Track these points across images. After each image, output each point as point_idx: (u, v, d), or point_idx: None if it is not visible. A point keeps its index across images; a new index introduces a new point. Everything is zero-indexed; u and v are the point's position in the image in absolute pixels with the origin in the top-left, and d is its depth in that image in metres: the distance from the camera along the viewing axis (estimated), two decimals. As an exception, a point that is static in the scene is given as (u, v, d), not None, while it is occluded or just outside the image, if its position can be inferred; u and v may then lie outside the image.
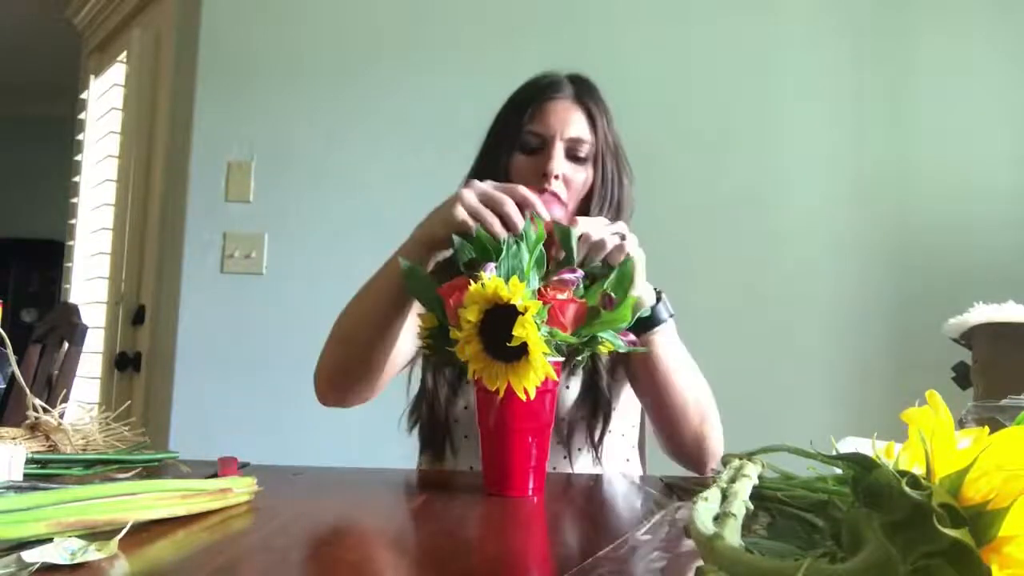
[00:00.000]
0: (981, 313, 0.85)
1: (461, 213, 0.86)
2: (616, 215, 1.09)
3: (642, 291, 0.94)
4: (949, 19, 2.09)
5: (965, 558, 0.27)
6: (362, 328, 0.99)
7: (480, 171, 1.10)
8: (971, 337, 0.88)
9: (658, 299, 0.98)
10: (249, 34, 2.14)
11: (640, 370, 1.02)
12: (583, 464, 1.07)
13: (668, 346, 0.99)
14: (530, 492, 0.75)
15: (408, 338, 1.03)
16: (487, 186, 0.88)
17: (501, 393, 0.71)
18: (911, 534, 0.29)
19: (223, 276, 2.06)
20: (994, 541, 0.28)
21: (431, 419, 1.09)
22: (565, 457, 1.07)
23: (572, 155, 1.07)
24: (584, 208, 1.08)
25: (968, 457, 0.31)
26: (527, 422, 0.75)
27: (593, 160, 1.08)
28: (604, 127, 1.09)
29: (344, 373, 1.03)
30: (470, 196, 0.86)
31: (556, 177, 1.04)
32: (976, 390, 0.84)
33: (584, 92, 1.11)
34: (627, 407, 1.14)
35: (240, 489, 0.66)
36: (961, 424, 0.77)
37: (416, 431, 1.13)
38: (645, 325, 0.95)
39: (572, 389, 1.08)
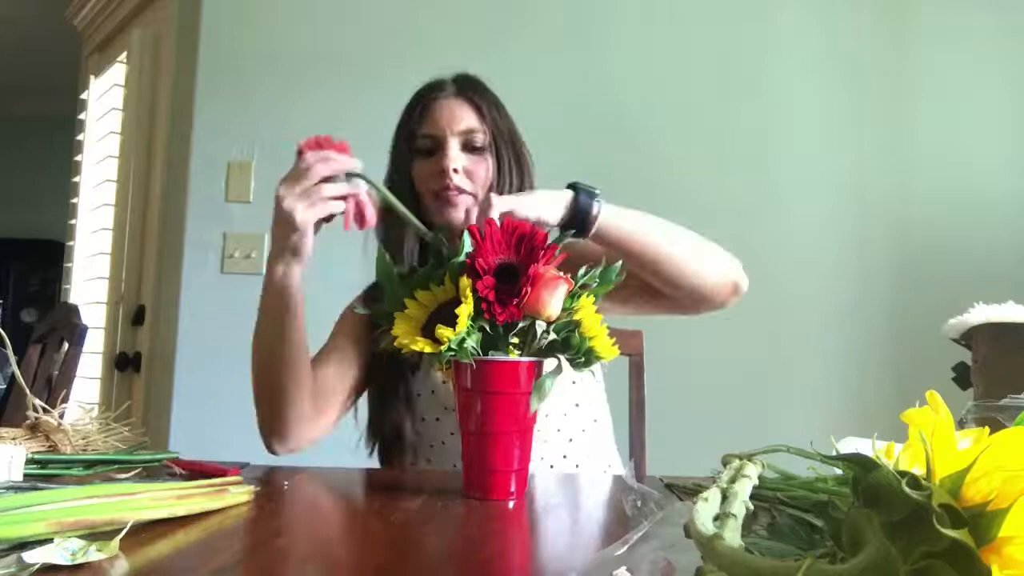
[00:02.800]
0: (981, 313, 0.85)
1: (298, 213, 0.87)
2: None
3: (540, 207, 0.90)
4: (949, 23, 2.09)
5: (965, 558, 0.27)
6: (271, 354, 0.99)
7: (391, 181, 1.15)
8: (971, 337, 0.88)
9: (577, 192, 0.93)
10: (249, 34, 2.14)
11: (617, 256, 0.95)
12: (551, 455, 1.08)
13: (617, 219, 0.95)
14: (511, 496, 0.74)
15: (346, 372, 1.08)
16: (289, 178, 0.90)
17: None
18: (911, 534, 0.29)
19: (223, 276, 2.06)
20: (994, 541, 0.28)
21: (396, 439, 1.11)
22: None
23: (469, 147, 1.09)
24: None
25: (968, 457, 0.31)
26: (509, 425, 0.73)
27: (488, 149, 1.09)
28: (493, 116, 1.11)
29: (277, 413, 1.01)
30: (287, 194, 0.88)
31: (456, 171, 1.07)
32: (976, 390, 0.84)
33: (466, 86, 1.13)
34: (591, 400, 1.14)
35: (238, 489, 0.66)
36: (961, 424, 0.77)
37: (376, 452, 1.15)
38: (582, 224, 0.92)
39: None
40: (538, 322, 0.73)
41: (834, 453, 0.44)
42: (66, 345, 1.65)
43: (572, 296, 0.75)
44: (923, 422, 0.33)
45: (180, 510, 0.58)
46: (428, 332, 0.73)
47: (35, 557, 0.43)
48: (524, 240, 0.75)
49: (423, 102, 1.12)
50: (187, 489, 0.60)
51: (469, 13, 2.11)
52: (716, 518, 0.38)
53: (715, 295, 1.04)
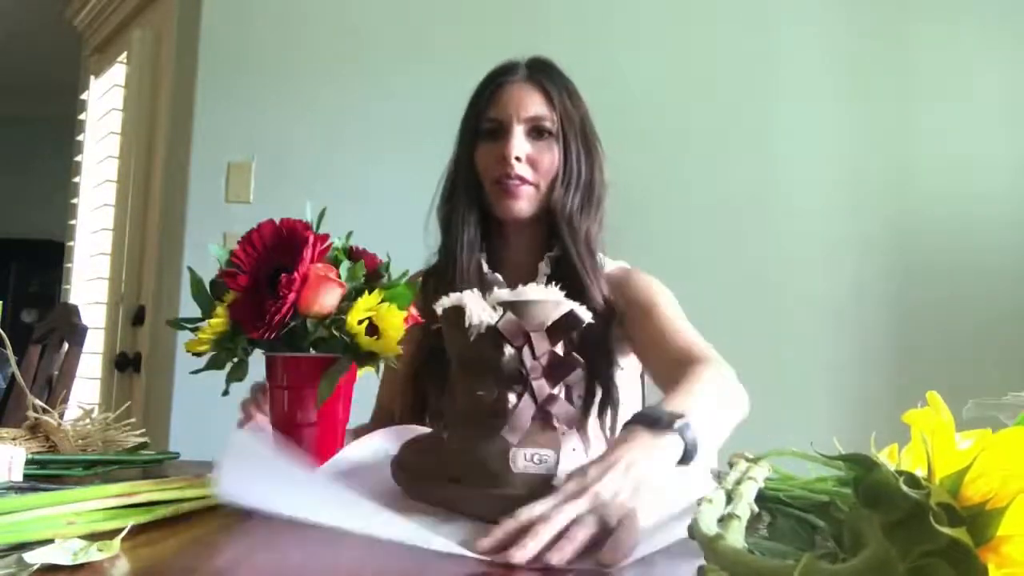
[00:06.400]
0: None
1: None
2: (587, 195, 1.06)
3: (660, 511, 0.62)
4: (949, 20, 2.08)
5: (963, 557, 0.27)
6: None
7: (454, 165, 1.11)
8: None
9: (686, 454, 0.69)
10: (249, 34, 2.14)
11: None
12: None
13: (706, 444, 0.74)
14: None
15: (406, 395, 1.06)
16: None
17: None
18: (910, 533, 0.29)
19: (223, 276, 2.05)
20: (992, 540, 0.28)
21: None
22: (574, 450, 1.05)
23: (535, 134, 1.04)
24: (551, 189, 1.04)
25: (968, 457, 0.31)
26: (302, 418, 0.77)
27: (555, 137, 1.04)
28: (564, 102, 1.06)
29: None
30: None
31: (518, 159, 1.02)
32: None
33: (538, 70, 1.08)
34: (627, 402, 1.13)
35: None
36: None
37: None
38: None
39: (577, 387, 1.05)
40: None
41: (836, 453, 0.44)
42: (66, 345, 1.65)
43: (349, 297, 0.77)
44: (924, 423, 0.33)
45: (177, 506, 0.58)
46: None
47: (36, 557, 0.43)
48: (290, 241, 0.77)
49: (493, 84, 1.07)
50: (181, 486, 0.60)
51: (468, 14, 2.11)
52: (720, 519, 0.38)
53: None
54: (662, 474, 0.65)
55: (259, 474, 0.60)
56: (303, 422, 0.77)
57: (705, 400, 0.82)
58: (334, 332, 0.75)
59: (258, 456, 0.63)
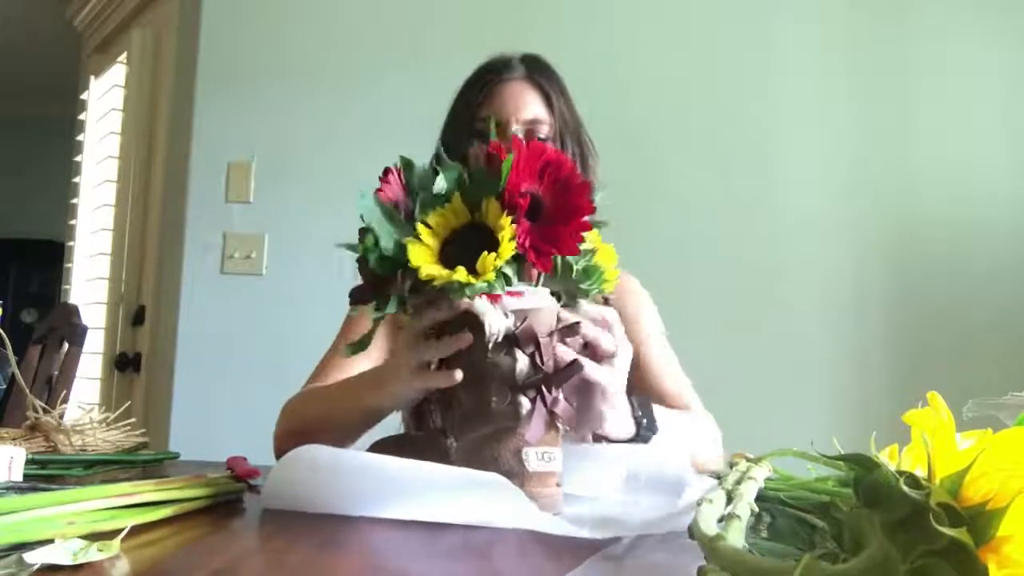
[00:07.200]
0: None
1: (416, 385, 0.70)
2: None
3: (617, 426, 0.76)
4: (949, 20, 2.09)
5: (963, 557, 0.27)
6: (329, 431, 0.86)
7: (441, 161, 1.07)
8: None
9: (639, 425, 0.79)
10: (249, 34, 2.14)
11: None
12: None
13: None
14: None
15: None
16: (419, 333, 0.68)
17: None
18: (910, 533, 0.29)
19: (223, 276, 2.06)
20: (992, 541, 0.28)
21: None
22: None
23: (531, 138, 1.00)
24: None
25: (968, 457, 0.31)
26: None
27: (553, 141, 1.02)
28: (561, 105, 1.04)
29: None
30: (412, 362, 0.69)
31: None
32: None
33: (536, 70, 1.05)
34: None
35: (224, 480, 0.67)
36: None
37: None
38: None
39: None
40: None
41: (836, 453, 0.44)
42: (66, 345, 1.65)
43: None
44: (925, 423, 0.33)
45: (170, 509, 0.58)
46: (447, 262, 0.65)
47: (36, 557, 0.43)
48: (549, 168, 0.66)
49: (487, 81, 1.03)
50: (177, 485, 0.60)
51: (469, 14, 2.11)
52: (721, 520, 0.39)
53: None
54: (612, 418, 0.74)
55: (317, 475, 0.63)
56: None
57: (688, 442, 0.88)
58: (589, 263, 0.70)
59: (315, 459, 0.65)
